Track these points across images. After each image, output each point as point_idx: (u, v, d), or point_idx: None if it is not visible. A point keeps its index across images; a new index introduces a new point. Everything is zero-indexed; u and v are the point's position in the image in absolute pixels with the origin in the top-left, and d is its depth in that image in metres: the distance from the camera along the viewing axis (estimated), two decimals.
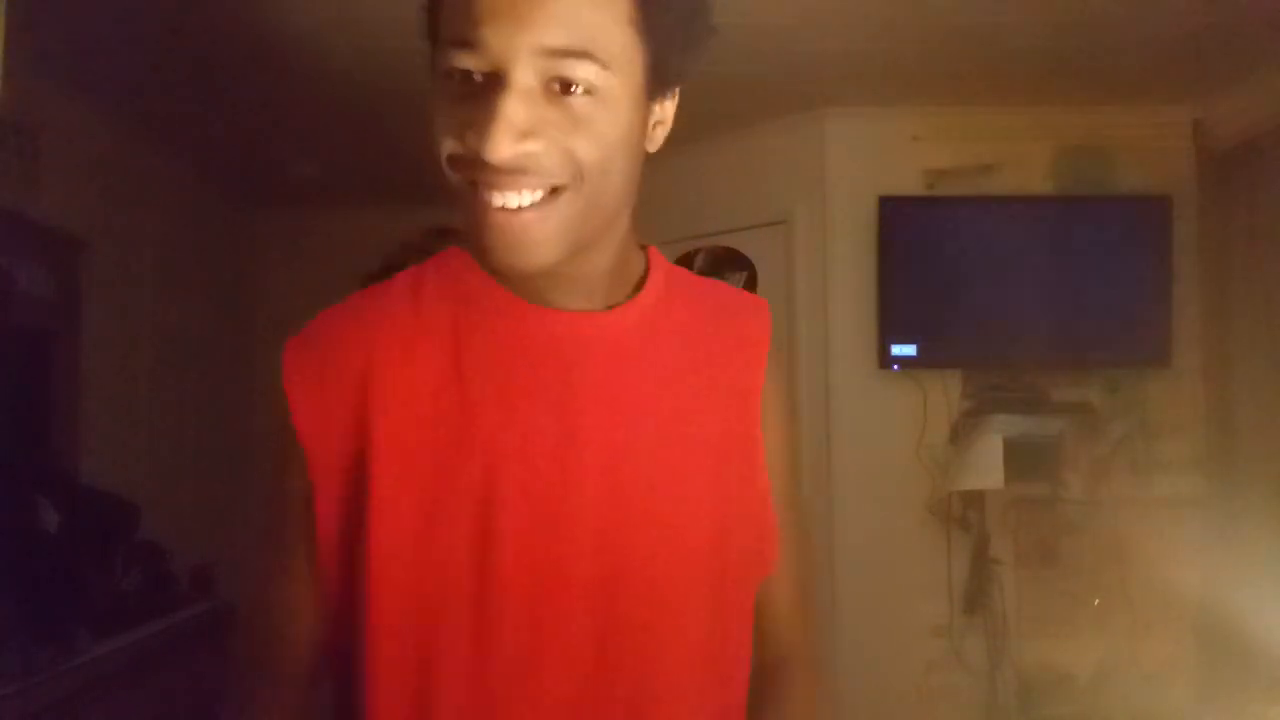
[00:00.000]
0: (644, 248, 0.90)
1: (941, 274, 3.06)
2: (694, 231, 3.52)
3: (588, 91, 0.69)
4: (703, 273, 3.50)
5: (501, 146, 0.66)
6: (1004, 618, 3.04)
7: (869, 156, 3.17)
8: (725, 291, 0.95)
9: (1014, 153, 3.16)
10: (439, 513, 0.77)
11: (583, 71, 0.68)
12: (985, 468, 2.95)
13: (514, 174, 0.68)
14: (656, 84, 0.75)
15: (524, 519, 0.76)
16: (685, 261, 3.54)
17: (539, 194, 0.69)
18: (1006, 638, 3.04)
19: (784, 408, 0.92)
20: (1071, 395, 3.13)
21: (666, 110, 0.79)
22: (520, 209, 0.69)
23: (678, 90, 0.79)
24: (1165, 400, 3.11)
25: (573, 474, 0.78)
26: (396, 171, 3.36)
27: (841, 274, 3.17)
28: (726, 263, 3.46)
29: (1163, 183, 3.10)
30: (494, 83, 0.68)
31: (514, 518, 0.76)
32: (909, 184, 3.14)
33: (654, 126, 0.78)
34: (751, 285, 3.40)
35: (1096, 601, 3.03)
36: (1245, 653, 2.54)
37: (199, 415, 3.83)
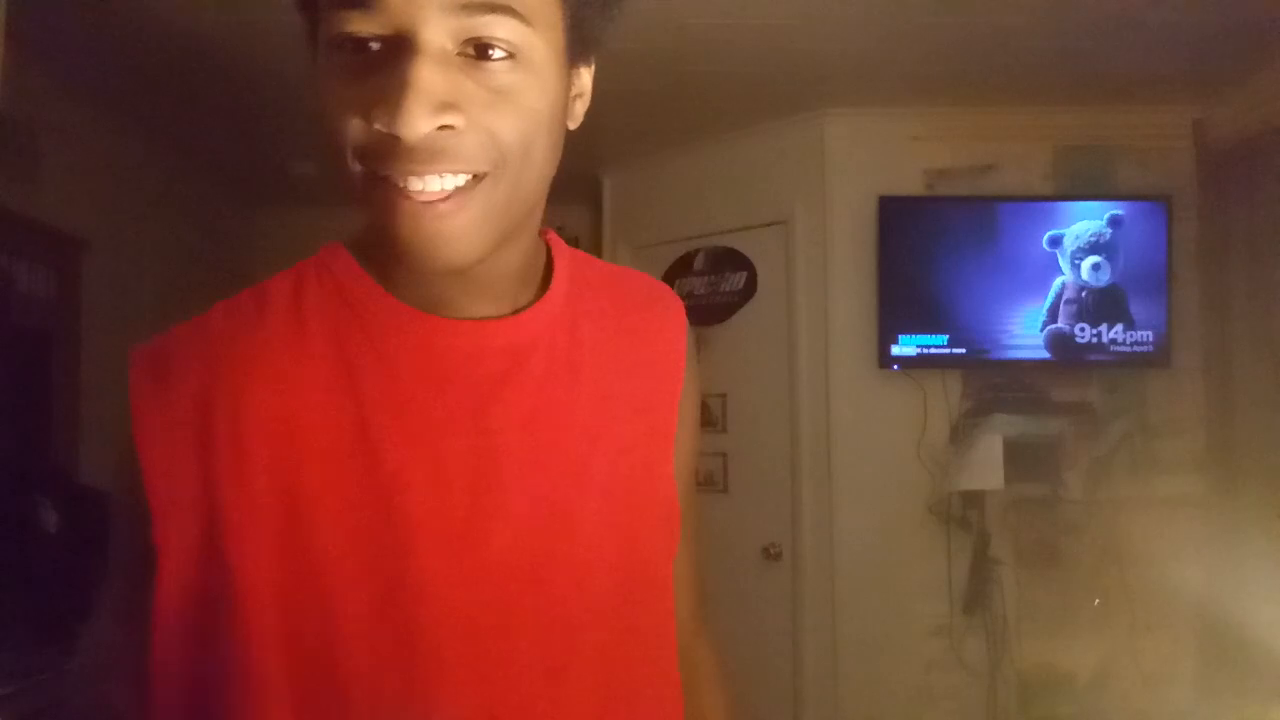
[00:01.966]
0: (543, 234, 0.78)
1: (941, 274, 3.06)
2: (694, 231, 3.52)
3: (509, 54, 0.59)
4: (702, 273, 3.50)
5: (418, 121, 0.56)
6: (1004, 618, 3.04)
7: (869, 156, 3.18)
8: (634, 280, 0.86)
9: (1014, 153, 3.17)
10: (327, 574, 0.64)
11: (504, 29, 0.59)
12: (985, 468, 2.95)
13: (431, 158, 0.58)
14: (577, 48, 0.66)
15: (441, 563, 0.65)
16: (685, 261, 3.55)
17: (460, 179, 0.60)
18: (1006, 638, 3.04)
19: (695, 401, 0.85)
20: (1071, 395, 3.13)
21: (585, 81, 0.70)
22: (438, 198, 0.59)
23: (593, 60, 0.71)
24: (1165, 400, 3.11)
25: (496, 505, 0.67)
26: None
27: (841, 274, 3.17)
28: (726, 263, 3.45)
29: (1163, 183, 3.10)
30: (398, 48, 0.57)
31: (429, 565, 0.65)
32: (909, 184, 3.14)
33: (574, 99, 0.69)
34: (751, 285, 3.40)
35: (1096, 601, 3.03)
36: (1245, 653, 2.54)
37: None
